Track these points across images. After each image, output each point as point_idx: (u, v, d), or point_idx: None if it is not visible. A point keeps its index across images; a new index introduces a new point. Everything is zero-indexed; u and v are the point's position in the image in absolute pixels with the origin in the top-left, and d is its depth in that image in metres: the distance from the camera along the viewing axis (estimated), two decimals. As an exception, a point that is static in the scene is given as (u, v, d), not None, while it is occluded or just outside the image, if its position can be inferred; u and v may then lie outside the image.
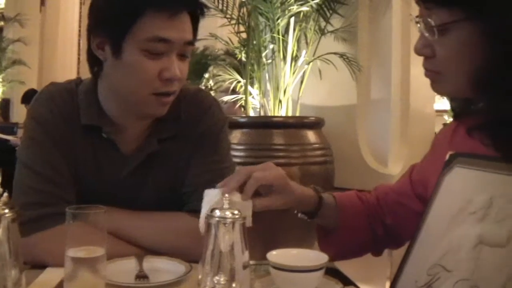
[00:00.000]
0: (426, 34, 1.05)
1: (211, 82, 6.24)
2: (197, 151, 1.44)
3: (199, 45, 6.03)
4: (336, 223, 1.31)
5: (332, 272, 1.22)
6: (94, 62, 1.38)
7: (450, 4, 1.01)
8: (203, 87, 6.24)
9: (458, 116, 1.22)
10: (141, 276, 1.17)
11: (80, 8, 9.84)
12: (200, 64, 6.24)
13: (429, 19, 1.03)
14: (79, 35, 9.79)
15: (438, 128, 4.41)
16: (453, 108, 1.21)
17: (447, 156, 1.15)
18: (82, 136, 1.39)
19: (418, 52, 1.09)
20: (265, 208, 1.16)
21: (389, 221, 1.31)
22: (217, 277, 0.80)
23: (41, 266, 1.25)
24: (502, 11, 0.96)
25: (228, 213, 0.97)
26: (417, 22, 1.07)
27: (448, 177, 1.12)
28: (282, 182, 1.21)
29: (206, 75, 6.38)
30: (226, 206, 0.99)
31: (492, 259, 0.92)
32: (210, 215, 0.98)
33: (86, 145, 1.40)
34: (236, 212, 0.98)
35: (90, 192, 1.38)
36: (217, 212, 0.98)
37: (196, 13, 1.36)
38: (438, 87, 1.11)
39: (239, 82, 4.05)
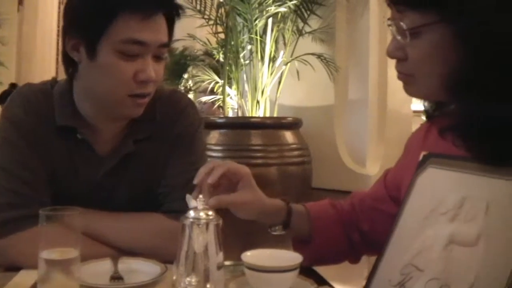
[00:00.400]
0: (398, 37, 1.05)
1: (190, 83, 6.22)
2: (173, 152, 1.44)
3: (178, 46, 6.01)
4: (310, 233, 1.30)
5: (307, 272, 1.23)
6: (69, 63, 1.37)
7: (422, 7, 1.01)
8: (182, 88, 6.22)
9: (430, 117, 1.23)
10: (116, 277, 1.17)
11: (59, 7, 9.73)
12: (179, 65, 6.21)
13: (401, 23, 1.04)
14: (58, 35, 9.68)
15: (415, 128, 4.44)
16: (426, 110, 1.22)
17: (421, 157, 1.16)
18: (57, 137, 1.39)
19: (390, 55, 1.10)
20: (228, 204, 1.16)
21: (365, 227, 1.31)
22: (188, 278, 0.81)
23: (15, 269, 1.24)
24: (474, 14, 0.97)
25: (202, 214, 0.98)
26: (389, 25, 1.08)
27: (421, 177, 1.13)
28: (249, 178, 1.21)
29: (185, 76, 6.36)
30: (200, 207, 0.99)
31: (462, 258, 0.93)
32: (184, 216, 0.98)
33: (61, 146, 1.39)
34: (210, 213, 0.99)
35: (66, 193, 1.38)
36: (191, 213, 0.98)
37: (172, 14, 1.36)
38: (411, 90, 1.12)
39: (217, 82, 4.05)
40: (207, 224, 0.97)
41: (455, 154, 1.08)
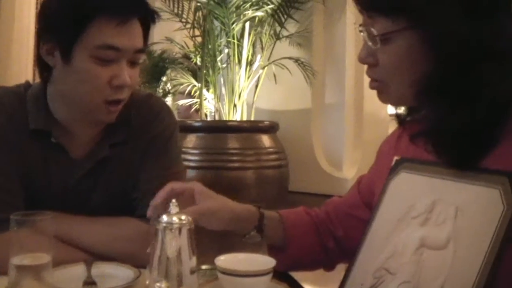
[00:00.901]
0: (369, 43, 1.07)
1: (169, 85, 6.20)
2: (148, 156, 1.43)
3: (157, 48, 5.99)
4: (284, 241, 1.30)
5: (281, 276, 1.23)
6: (44, 67, 1.37)
7: (392, 13, 1.02)
8: (161, 91, 6.20)
9: (402, 122, 1.24)
10: (89, 282, 1.16)
11: (36, 8, 9.61)
12: (158, 67, 6.19)
13: (372, 28, 1.05)
14: (35, 38, 9.55)
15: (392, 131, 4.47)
16: (397, 115, 1.23)
17: (393, 161, 1.18)
18: (31, 141, 1.37)
19: (361, 60, 1.11)
20: (195, 213, 1.10)
21: (340, 233, 1.31)
22: (158, 284, 0.80)
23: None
24: (440, 20, 0.99)
25: (175, 219, 0.98)
26: (360, 31, 1.09)
27: (394, 182, 1.14)
28: (202, 189, 1.22)
29: (164, 78, 6.33)
30: (173, 211, 0.99)
31: (432, 261, 0.94)
32: (157, 221, 0.98)
33: (35, 150, 1.38)
34: (183, 217, 0.99)
35: (39, 198, 1.37)
36: (164, 218, 0.98)
37: (147, 20, 1.36)
38: (383, 98, 1.13)
39: (195, 86, 4.04)
40: (179, 229, 0.97)
41: (427, 159, 1.09)
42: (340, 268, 1.45)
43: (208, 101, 3.79)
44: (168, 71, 6.17)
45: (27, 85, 1.45)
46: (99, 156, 1.41)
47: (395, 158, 1.18)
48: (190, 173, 3.04)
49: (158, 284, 0.82)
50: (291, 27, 3.84)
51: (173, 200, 1.02)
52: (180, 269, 0.96)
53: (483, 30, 0.99)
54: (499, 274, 0.86)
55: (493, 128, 0.99)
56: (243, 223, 1.26)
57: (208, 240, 2.34)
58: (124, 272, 1.22)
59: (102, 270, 1.24)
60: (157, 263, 0.97)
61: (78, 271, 1.22)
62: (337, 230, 1.31)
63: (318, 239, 1.32)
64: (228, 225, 1.23)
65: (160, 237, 0.97)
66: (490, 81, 0.98)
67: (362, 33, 1.08)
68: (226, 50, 3.71)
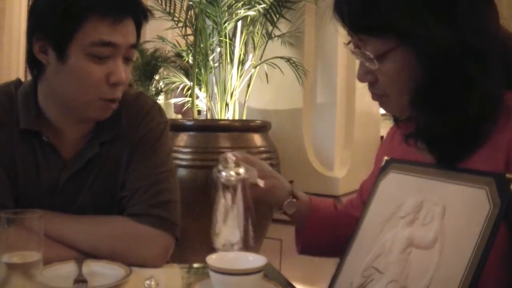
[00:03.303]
0: (367, 64, 1.09)
1: (161, 84, 6.19)
2: (137, 155, 1.43)
3: (149, 47, 5.98)
4: (303, 222, 1.36)
5: (271, 274, 1.24)
6: (35, 65, 1.36)
7: (381, 34, 1.05)
8: (153, 89, 6.19)
9: (397, 121, 1.27)
10: (80, 280, 1.17)
11: (28, 4, 9.55)
12: (150, 66, 6.18)
13: (366, 51, 1.07)
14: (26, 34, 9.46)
15: (383, 131, 4.50)
16: (393, 114, 1.26)
17: (383, 161, 1.20)
18: (21, 141, 1.37)
19: (361, 79, 1.14)
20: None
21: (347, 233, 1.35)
22: (148, 282, 0.81)
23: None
24: (423, 31, 1.01)
25: (232, 173, 1.07)
26: (353, 52, 1.11)
27: (383, 182, 1.16)
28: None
29: (156, 77, 6.33)
30: (231, 165, 1.07)
31: (419, 260, 0.96)
32: (217, 175, 1.06)
33: (25, 149, 1.38)
34: (241, 170, 1.08)
35: (28, 197, 1.37)
36: (223, 173, 1.07)
37: (140, 18, 1.36)
38: (386, 108, 1.18)
39: (187, 84, 4.04)
40: (238, 181, 1.06)
41: (416, 160, 1.11)
42: (330, 267, 1.47)
43: (200, 100, 3.79)
44: (161, 70, 6.17)
45: (18, 83, 1.45)
46: (89, 154, 1.40)
47: (385, 158, 1.20)
48: (182, 171, 3.04)
49: (147, 282, 0.82)
50: (283, 26, 3.84)
51: (229, 155, 1.09)
52: (240, 220, 1.06)
53: (464, 31, 1.01)
54: (485, 272, 0.87)
55: (480, 128, 1.02)
56: (277, 191, 1.33)
57: (197, 239, 2.35)
58: (114, 271, 1.23)
59: (93, 268, 1.24)
60: (220, 216, 1.05)
61: (68, 269, 1.23)
62: (346, 229, 1.35)
63: (333, 231, 1.37)
64: (266, 194, 1.29)
65: (221, 189, 1.06)
66: (478, 81, 1.00)
67: (355, 55, 1.10)
68: (218, 49, 3.70)
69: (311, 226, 1.36)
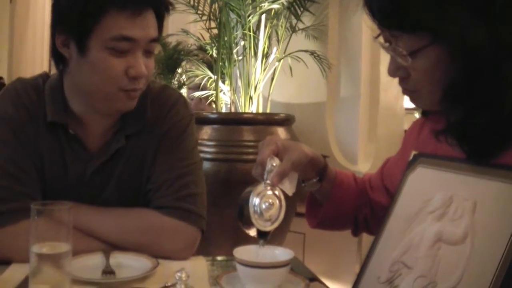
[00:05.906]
0: (399, 59, 1.07)
1: (184, 77, 6.20)
2: (163, 148, 1.44)
3: (172, 40, 5.99)
4: (326, 195, 1.36)
5: (298, 268, 1.24)
6: (59, 59, 1.37)
7: (415, 31, 1.03)
8: (176, 82, 6.21)
9: (425, 114, 1.26)
10: (108, 271, 1.18)
11: (51, 0, 9.60)
12: (173, 59, 6.19)
13: (399, 48, 1.05)
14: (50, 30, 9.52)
15: (407, 126, 4.45)
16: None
17: (411, 156, 1.18)
18: (48, 133, 1.39)
19: (392, 75, 1.12)
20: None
21: (366, 211, 1.39)
22: (178, 274, 0.81)
23: (6, 262, 1.25)
24: (459, 30, 1.00)
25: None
26: (383, 47, 1.10)
27: (411, 176, 1.15)
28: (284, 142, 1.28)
29: (179, 70, 6.34)
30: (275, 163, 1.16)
31: (449, 256, 0.94)
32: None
33: (52, 142, 1.39)
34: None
35: (55, 189, 1.39)
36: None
37: (161, 10, 1.36)
38: (417, 103, 1.16)
39: (210, 78, 4.04)
40: None
41: (445, 154, 1.10)
42: (352, 261, 1.47)
43: (224, 93, 3.79)
44: (183, 63, 6.19)
45: (45, 76, 1.46)
46: (115, 147, 1.41)
47: (413, 152, 1.19)
48: (205, 164, 3.05)
49: (178, 274, 0.83)
50: (307, 19, 3.82)
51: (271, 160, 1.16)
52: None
53: (499, 29, 0.99)
54: None
55: None
56: (309, 169, 1.32)
57: (220, 232, 2.35)
58: (141, 262, 1.24)
59: (120, 260, 1.26)
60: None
61: (96, 260, 1.24)
62: (365, 207, 1.39)
63: (355, 205, 1.39)
64: (301, 161, 1.26)
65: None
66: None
67: (385, 50, 1.09)
68: (242, 43, 3.69)
69: (332, 203, 1.37)
